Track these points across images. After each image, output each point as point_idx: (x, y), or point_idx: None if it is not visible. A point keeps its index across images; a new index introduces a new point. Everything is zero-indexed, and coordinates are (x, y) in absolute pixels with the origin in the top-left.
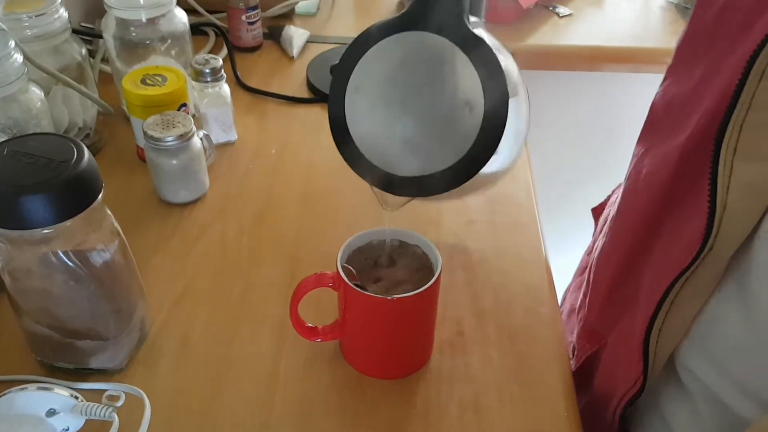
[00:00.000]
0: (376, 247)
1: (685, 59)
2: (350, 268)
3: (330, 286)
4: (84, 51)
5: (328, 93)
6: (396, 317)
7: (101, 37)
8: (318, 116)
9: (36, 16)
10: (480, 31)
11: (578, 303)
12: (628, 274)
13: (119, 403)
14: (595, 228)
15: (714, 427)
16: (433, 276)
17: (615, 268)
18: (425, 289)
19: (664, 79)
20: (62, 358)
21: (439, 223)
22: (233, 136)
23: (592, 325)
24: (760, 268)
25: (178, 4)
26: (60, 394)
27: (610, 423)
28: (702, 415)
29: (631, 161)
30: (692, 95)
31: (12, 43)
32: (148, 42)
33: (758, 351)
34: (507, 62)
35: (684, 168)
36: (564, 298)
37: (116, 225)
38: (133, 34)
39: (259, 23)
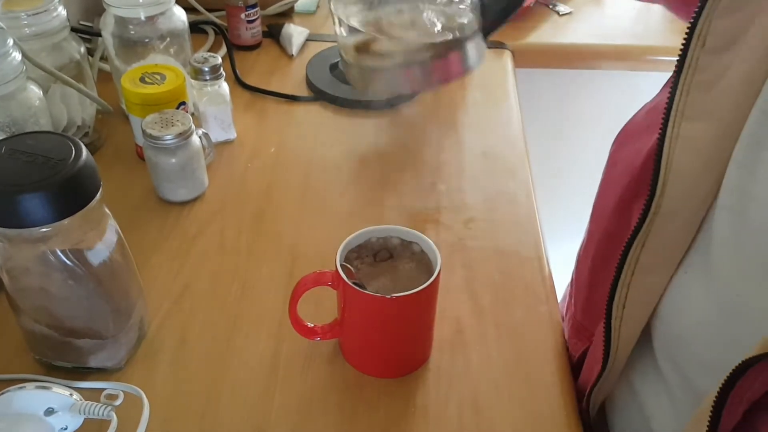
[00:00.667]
0: (375, 245)
1: None
2: (349, 266)
3: (329, 285)
4: (83, 49)
5: None
6: (395, 316)
7: (100, 35)
8: (317, 115)
9: (34, 14)
10: None
11: (566, 301)
12: (604, 268)
13: (118, 402)
14: None
15: (688, 410)
16: (433, 274)
17: (592, 263)
18: (424, 288)
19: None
20: (61, 357)
21: (437, 221)
22: (232, 135)
23: (580, 322)
24: (718, 239)
25: (177, 2)
26: (58, 393)
27: (585, 409)
28: (678, 404)
29: (608, 158)
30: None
31: (10, 41)
32: (147, 40)
33: (719, 325)
34: None
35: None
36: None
37: (115, 224)
38: (132, 32)
39: (258, 21)
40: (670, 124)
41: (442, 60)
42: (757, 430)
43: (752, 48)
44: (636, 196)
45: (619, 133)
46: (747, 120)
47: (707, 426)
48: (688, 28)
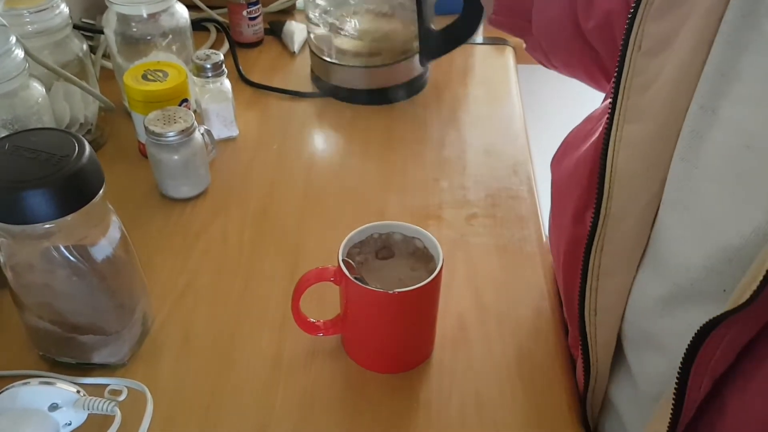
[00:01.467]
0: (378, 241)
1: None
2: (351, 262)
3: (331, 281)
4: (85, 47)
5: None
6: (397, 311)
7: (102, 32)
8: (319, 111)
9: (37, 12)
10: None
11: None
12: (574, 278)
13: (121, 398)
14: None
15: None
16: (435, 270)
17: (564, 276)
18: (427, 284)
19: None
20: (64, 353)
21: (440, 217)
22: (234, 132)
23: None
24: (666, 232)
25: None
26: (62, 389)
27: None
28: (641, 390)
29: (552, 175)
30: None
31: (13, 39)
32: (149, 37)
33: (679, 310)
34: None
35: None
36: None
37: (118, 220)
38: (134, 29)
39: (260, 19)
40: (614, 128)
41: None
42: (725, 404)
43: (684, 48)
44: (588, 206)
45: (559, 148)
46: (685, 116)
47: (672, 403)
48: (624, 32)
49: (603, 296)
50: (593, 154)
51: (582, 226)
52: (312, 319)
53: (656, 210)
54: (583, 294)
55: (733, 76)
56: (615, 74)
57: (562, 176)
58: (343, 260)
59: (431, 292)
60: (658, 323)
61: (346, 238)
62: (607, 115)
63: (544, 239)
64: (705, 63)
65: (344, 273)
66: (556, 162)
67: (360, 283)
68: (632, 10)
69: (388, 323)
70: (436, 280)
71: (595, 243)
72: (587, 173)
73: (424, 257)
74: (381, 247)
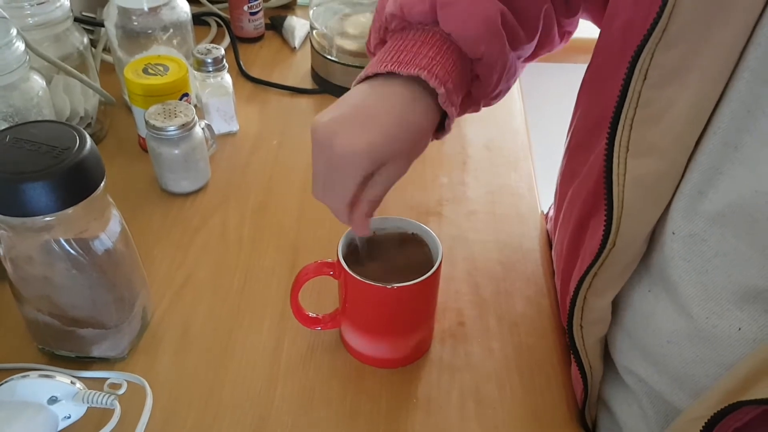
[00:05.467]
0: (378, 235)
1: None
2: (350, 255)
3: (330, 275)
4: (86, 40)
5: None
6: (396, 306)
7: (103, 26)
8: (319, 107)
9: (38, 5)
10: None
11: None
12: (566, 284)
13: (121, 391)
14: None
15: (660, 425)
16: (434, 265)
17: (561, 277)
18: (425, 278)
19: None
20: (64, 347)
21: (440, 214)
22: (235, 127)
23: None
24: (677, 265)
25: None
26: (62, 382)
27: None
28: (648, 413)
29: (562, 170)
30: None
31: (14, 31)
32: (149, 31)
33: (688, 341)
34: None
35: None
36: None
37: (118, 214)
38: (135, 23)
39: (260, 14)
40: (615, 160)
41: None
42: None
43: (703, 80)
44: (591, 214)
45: (572, 140)
46: (701, 149)
47: None
48: (628, 63)
49: (588, 313)
50: (600, 164)
51: (584, 231)
52: (310, 313)
53: (652, 234)
54: (573, 307)
55: (760, 113)
56: (615, 104)
57: (573, 172)
58: (342, 254)
59: (430, 286)
60: (668, 350)
61: (346, 232)
62: (605, 148)
63: (544, 236)
64: (721, 96)
65: (343, 267)
66: (569, 158)
67: (358, 277)
68: (643, 38)
69: (387, 317)
70: (435, 275)
71: (593, 269)
72: (593, 181)
73: (423, 252)
74: (381, 242)
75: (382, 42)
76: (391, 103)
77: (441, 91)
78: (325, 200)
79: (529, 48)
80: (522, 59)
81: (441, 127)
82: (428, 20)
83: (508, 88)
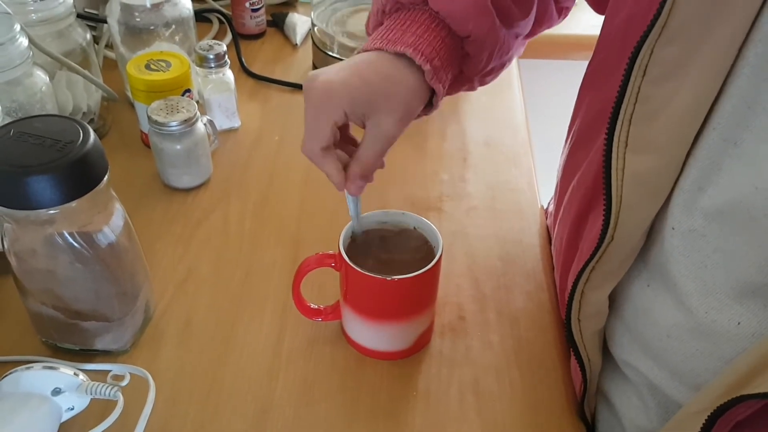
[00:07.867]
0: (378, 229)
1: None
2: (351, 248)
3: (332, 266)
4: (88, 36)
5: None
6: (396, 298)
7: (106, 22)
8: None
9: (41, 1)
10: None
11: None
12: (564, 278)
13: (124, 383)
14: None
15: (660, 417)
16: (434, 258)
17: (561, 271)
18: (425, 271)
19: None
20: (67, 339)
21: (440, 209)
22: (236, 122)
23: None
24: (677, 260)
25: None
26: (65, 374)
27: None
28: (648, 405)
29: (563, 165)
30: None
31: (17, 27)
32: (152, 27)
33: (688, 335)
34: None
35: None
36: None
37: (122, 207)
38: (138, 19)
39: (262, 10)
40: (614, 155)
41: None
42: None
43: (703, 76)
44: (590, 208)
45: (573, 136)
46: (700, 145)
47: None
48: (628, 59)
49: (586, 306)
50: (599, 159)
51: (583, 226)
52: (312, 304)
53: (650, 228)
54: (572, 300)
55: (760, 109)
56: (615, 100)
57: (574, 167)
58: (344, 246)
59: (430, 279)
60: (668, 343)
61: (347, 225)
62: (604, 144)
63: (544, 231)
64: (719, 92)
65: (344, 258)
66: (570, 154)
67: (359, 269)
68: (643, 34)
69: (387, 310)
70: (435, 268)
71: (591, 263)
72: (591, 177)
73: (423, 245)
74: (381, 235)
75: (380, 25)
76: (377, 65)
77: (427, 68)
78: (307, 149)
79: (526, 25)
80: (521, 37)
81: (430, 104)
82: (419, 0)
83: (502, 66)
